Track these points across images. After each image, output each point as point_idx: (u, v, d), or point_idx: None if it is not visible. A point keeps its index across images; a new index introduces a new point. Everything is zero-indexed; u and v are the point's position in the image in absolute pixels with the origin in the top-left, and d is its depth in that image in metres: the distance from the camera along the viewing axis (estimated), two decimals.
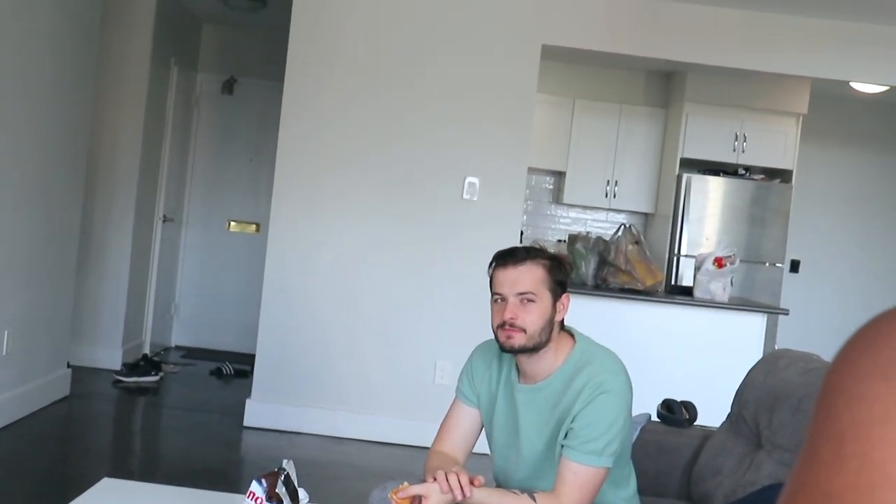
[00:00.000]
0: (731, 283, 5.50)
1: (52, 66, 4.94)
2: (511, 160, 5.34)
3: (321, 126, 5.32)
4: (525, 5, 5.35)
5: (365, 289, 5.34)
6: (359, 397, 5.35)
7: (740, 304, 5.56)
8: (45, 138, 4.94)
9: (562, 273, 2.38)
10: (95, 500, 2.57)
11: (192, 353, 7.42)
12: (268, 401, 5.33)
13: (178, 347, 7.67)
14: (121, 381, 6.09)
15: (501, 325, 2.32)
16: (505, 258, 2.36)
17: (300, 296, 5.33)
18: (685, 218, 7.00)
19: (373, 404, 5.34)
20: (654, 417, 3.24)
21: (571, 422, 2.27)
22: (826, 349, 0.63)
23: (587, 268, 5.35)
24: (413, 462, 4.45)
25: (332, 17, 5.33)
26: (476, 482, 2.21)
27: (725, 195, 7.10)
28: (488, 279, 2.39)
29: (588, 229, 7.40)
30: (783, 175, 7.20)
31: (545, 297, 2.32)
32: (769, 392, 2.73)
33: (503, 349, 2.36)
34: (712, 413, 3.26)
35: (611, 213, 7.58)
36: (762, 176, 7.18)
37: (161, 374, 6.35)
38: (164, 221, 7.16)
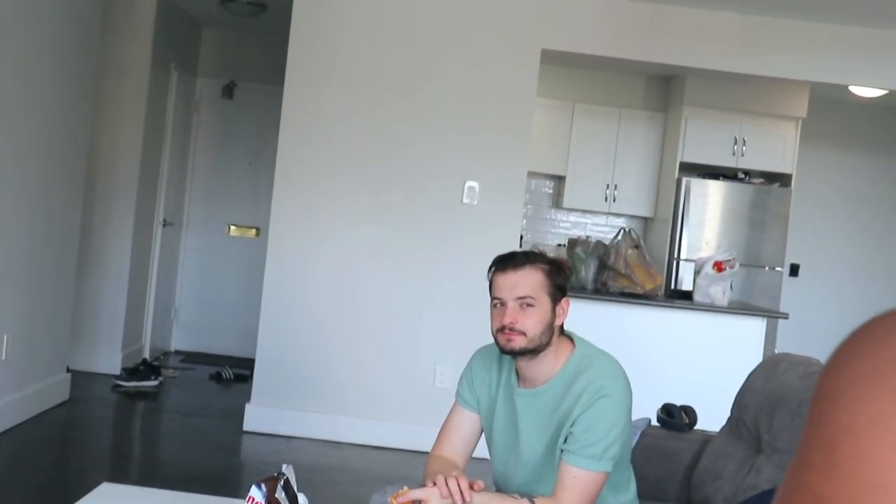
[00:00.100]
0: (731, 287, 5.50)
1: (52, 69, 4.94)
2: (511, 164, 5.34)
3: (321, 130, 5.32)
4: (525, 9, 5.36)
5: (365, 293, 5.34)
6: (358, 402, 5.34)
7: (740, 308, 5.56)
8: (45, 142, 4.94)
9: (561, 277, 2.38)
10: None
11: (191, 358, 7.42)
12: (267, 405, 5.33)
13: (177, 352, 7.66)
14: (120, 386, 6.09)
15: (501, 329, 2.33)
16: (504, 263, 2.36)
17: (300, 300, 5.33)
18: (685, 222, 7.01)
19: (372, 409, 5.34)
20: (654, 422, 3.24)
21: (571, 426, 2.27)
22: (826, 353, 0.63)
23: (587, 272, 5.35)
24: (413, 466, 4.45)
25: (332, 22, 5.33)
26: (476, 487, 2.21)
27: (725, 199, 7.10)
28: (488, 283, 2.39)
29: (588, 233, 7.40)
30: (782, 179, 7.20)
31: (544, 301, 2.32)
32: (769, 396, 2.73)
33: (503, 351, 2.36)
34: (712, 417, 3.25)
35: (610, 217, 7.58)
36: (761, 180, 7.19)
37: (161, 378, 6.35)
38: (163, 225, 7.16)
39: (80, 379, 5.82)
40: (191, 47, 7.57)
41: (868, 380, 0.54)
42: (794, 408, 2.60)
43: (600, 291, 5.32)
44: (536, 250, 2.48)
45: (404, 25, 5.35)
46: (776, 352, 4.92)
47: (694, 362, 5.30)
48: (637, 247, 5.31)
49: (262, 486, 2.24)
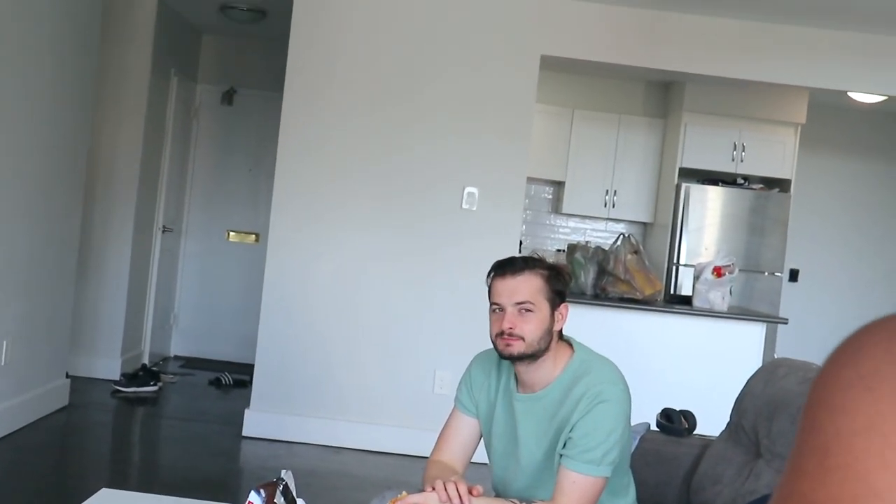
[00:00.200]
0: (730, 293, 5.50)
1: (52, 75, 4.95)
2: (510, 170, 5.34)
3: (320, 136, 5.33)
4: (524, 16, 5.37)
5: (364, 299, 5.34)
6: (358, 407, 5.34)
7: (739, 313, 5.56)
8: (44, 146, 4.95)
9: (560, 283, 2.39)
10: None
11: (191, 363, 7.42)
12: (267, 411, 5.33)
13: (177, 357, 7.66)
14: (119, 391, 6.09)
15: (500, 334, 2.33)
16: (503, 268, 2.37)
17: (299, 306, 5.33)
18: (684, 227, 7.01)
19: (372, 414, 5.34)
20: (654, 426, 3.23)
21: (570, 431, 2.27)
22: (825, 358, 0.63)
23: (586, 277, 5.35)
24: (412, 472, 4.44)
25: (332, 28, 5.34)
26: (475, 492, 2.21)
27: (724, 205, 7.11)
28: (487, 289, 2.40)
29: (587, 239, 7.40)
30: (782, 184, 7.21)
31: (543, 306, 2.32)
32: (768, 401, 2.73)
33: (502, 356, 2.37)
34: (711, 422, 3.25)
35: (610, 223, 7.59)
36: (761, 185, 7.19)
37: (160, 384, 6.34)
38: (163, 231, 7.16)
39: (80, 384, 5.82)
40: (191, 54, 7.58)
41: (860, 387, 0.54)
42: (793, 413, 2.60)
43: (600, 297, 5.32)
44: (535, 256, 2.48)
45: (404, 32, 5.35)
46: (775, 357, 4.92)
47: (693, 367, 5.30)
48: (636, 252, 5.31)
49: (261, 491, 2.24)
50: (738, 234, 7.09)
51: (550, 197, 7.72)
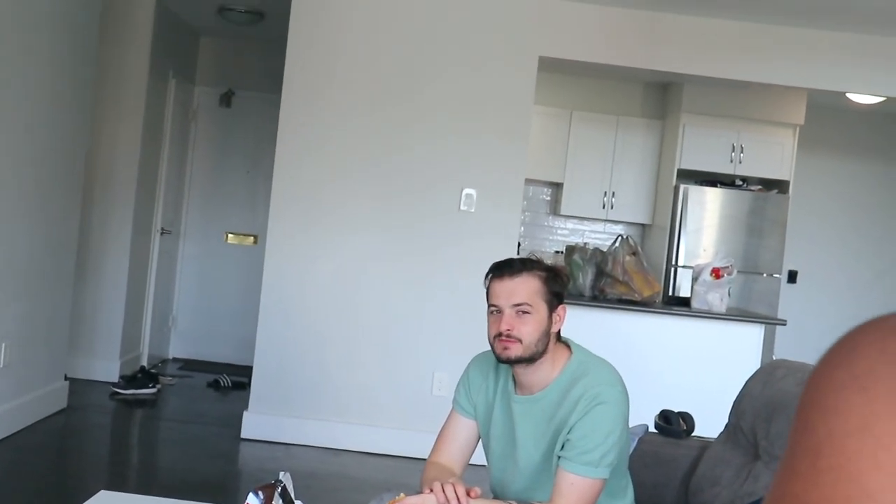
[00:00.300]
0: (729, 294, 5.50)
1: (51, 77, 4.95)
2: (508, 171, 5.34)
3: (318, 138, 5.33)
4: (522, 17, 5.37)
5: (362, 300, 5.34)
6: (356, 409, 5.34)
7: (738, 314, 5.56)
8: (43, 150, 4.95)
9: (558, 284, 2.39)
10: None
11: (189, 365, 7.42)
12: (265, 413, 5.33)
13: (175, 359, 7.66)
14: (118, 394, 6.08)
15: (498, 336, 2.33)
16: (501, 269, 2.36)
17: (298, 307, 5.33)
18: (682, 229, 7.01)
19: (370, 416, 5.34)
20: (652, 428, 3.23)
21: (568, 433, 2.27)
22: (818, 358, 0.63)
23: (584, 279, 5.35)
24: (410, 473, 4.44)
25: (330, 30, 5.34)
26: (472, 493, 2.21)
27: (723, 206, 7.11)
28: (485, 290, 2.40)
29: (585, 240, 7.40)
30: (780, 186, 7.21)
31: (541, 308, 2.32)
32: (766, 402, 2.73)
33: (499, 360, 2.36)
34: (710, 424, 3.25)
35: (608, 224, 7.59)
36: (759, 187, 7.20)
37: (158, 386, 6.34)
38: (161, 233, 7.16)
39: (78, 387, 5.82)
40: (189, 56, 7.58)
41: (852, 388, 0.54)
42: (791, 414, 2.59)
43: (598, 298, 5.32)
44: (534, 257, 2.48)
45: (402, 34, 5.35)
46: (774, 358, 4.92)
47: (692, 369, 5.30)
48: (635, 254, 5.31)
49: (260, 493, 2.24)
50: (736, 236, 7.10)
51: (549, 198, 7.72)
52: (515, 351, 2.31)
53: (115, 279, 6.49)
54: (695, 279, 5.39)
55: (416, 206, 5.33)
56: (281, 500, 2.27)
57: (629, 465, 2.53)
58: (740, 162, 7.14)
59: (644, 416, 3.25)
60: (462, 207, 5.32)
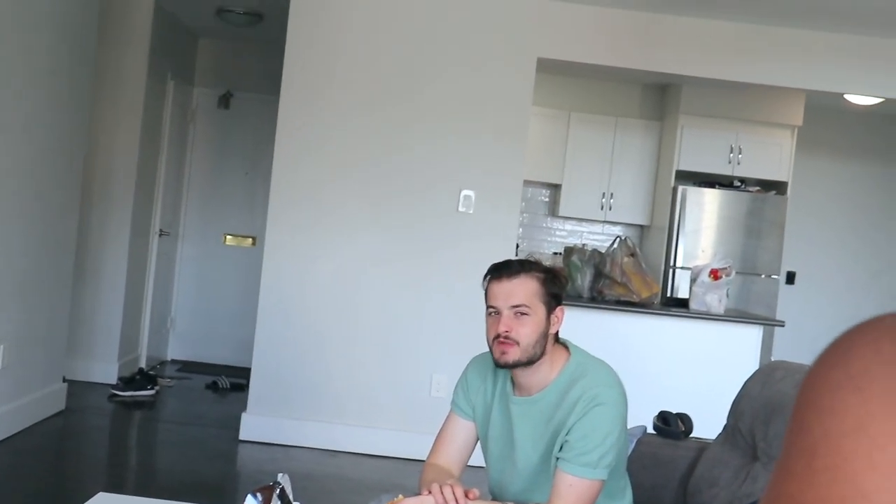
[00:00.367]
0: (727, 295, 5.51)
1: (49, 78, 4.95)
2: (507, 173, 5.35)
3: (317, 139, 5.33)
4: (520, 18, 5.37)
5: (360, 302, 5.34)
6: (354, 410, 5.34)
7: (736, 315, 5.56)
8: (41, 152, 4.94)
9: (556, 286, 2.39)
10: None
11: (188, 367, 7.41)
12: (263, 414, 5.32)
13: (174, 361, 7.66)
14: (117, 395, 6.08)
15: (496, 338, 2.33)
16: (499, 271, 2.36)
17: (296, 309, 5.33)
18: (681, 230, 7.01)
19: (369, 417, 5.34)
20: (650, 429, 3.24)
21: (566, 434, 2.27)
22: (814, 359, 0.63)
23: (583, 280, 5.35)
24: (408, 475, 4.44)
25: (328, 31, 5.34)
26: (471, 495, 2.21)
27: (721, 207, 7.11)
28: (483, 292, 2.40)
29: (584, 242, 7.41)
30: (778, 187, 7.21)
31: (539, 309, 2.32)
32: (765, 404, 2.73)
33: (498, 365, 2.36)
34: (708, 425, 3.25)
35: (606, 226, 7.59)
36: (757, 188, 7.20)
37: (157, 387, 6.34)
38: (160, 235, 7.16)
39: (77, 388, 5.81)
40: (187, 57, 7.58)
41: (847, 388, 0.54)
42: (789, 415, 2.60)
43: (596, 300, 5.32)
44: (532, 259, 2.48)
45: (400, 35, 5.35)
46: (772, 359, 4.92)
47: (690, 370, 5.30)
48: (633, 255, 5.31)
49: (258, 495, 2.24)
50: (734, 237, 7.10)
51: (547, 200, 7.73)
52: (513, 355, 2.31)
53: (114, 281, 6.48)
54: (693, 280, 5.39)
55: (415, 208, 5.33)
56: (279, 502, 2.27)
57: (627, 467, 2.53)
58: (738, 163, 7.14)
59: (642, 417, 3.25)
60: (460, 209, 5.32)
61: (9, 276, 4.70)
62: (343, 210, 5.34)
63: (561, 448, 2.28)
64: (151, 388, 6.26)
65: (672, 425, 3.22)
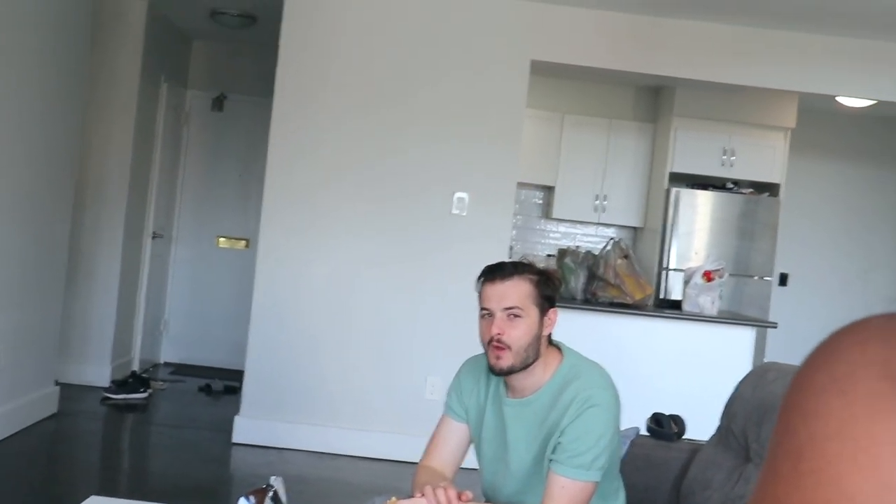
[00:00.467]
0: (720, 297, 5.51)
1: (42, 81, 4.94)
2: (500, 175, 5.35)
3: (310, 142, 5.33)
4: (514, 21, 5.38)
5: (354, 304, 5.34)
6: (348, 413, 5.33)
7: (729, 317, 5.57)
8: (34, 154, 4.93)
9: (549, 288, 2.39)
10: None
11: (181, 370, 7.40)
12: (257, 417, 5.32)
13: (167, 364, 7.64)
14: (109, 399, 6.06)
15: (490, 342, 2.33)
16: (493, 273, 2.36)
17: (289, 311, 5.33)
18: (674, 232, 7.02)
19: (362, 420, 5.33)
20: (643, 431, 3.24)
21: (559, 436, 2.27)
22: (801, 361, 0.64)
23: (576, 282, 5.35)
24: (402, 477, 4.44)
25: (322, 34, 5.34)
26: (464, 497, 2.21)
27: (714, 209, 7.13)
28: (477, 294, 2.40)
29: (577, 244, 7.41)
30: (771, 189, 7.23)
31: (532, 312, 2.32)
32: (758, 405, 2.73)
33: (492, 372, 2.36)
34: (701, 427, 3.25)
35: (600, 228, 7.60)
36: (751, 190, 7.21)
37: (150, 390, 6.32)
38: (153, 237, 7.15)
39: (69, 392, 5.79)
40: (181, 59, 7.57)
41: (832, 391, 0.54)
42: (777, 417, 2.60)
43: (590, 302, 5.32)
44: (525, 261, 2.48)
45: (394, 37, 5.36)
46: (765, 361, 4.92)
47: (683, 372, 5.30)
48: (626, 257, 5.32)
49: (251, 497, 2.23)
50: (727, 239, 7.11)
51: (541, 202, 7.73)
52: (507, 361, 2.31)
53: (107, 283, 6.47)
54: (686, 282, 5.40)
55: (409, 210, 5.33)
56: None
57: (620, 468, 2.53)
58: (732, 165, 7.16)
59: (635, 418, 3.24)
60: (454, 211, 5.32)
61: (1, 279, 4.68)
62: (337, 213, 5.34)
63: (554, 450, 2.28)
64: (144, 391, 6.25)
65: (665, 427, 3.23)
